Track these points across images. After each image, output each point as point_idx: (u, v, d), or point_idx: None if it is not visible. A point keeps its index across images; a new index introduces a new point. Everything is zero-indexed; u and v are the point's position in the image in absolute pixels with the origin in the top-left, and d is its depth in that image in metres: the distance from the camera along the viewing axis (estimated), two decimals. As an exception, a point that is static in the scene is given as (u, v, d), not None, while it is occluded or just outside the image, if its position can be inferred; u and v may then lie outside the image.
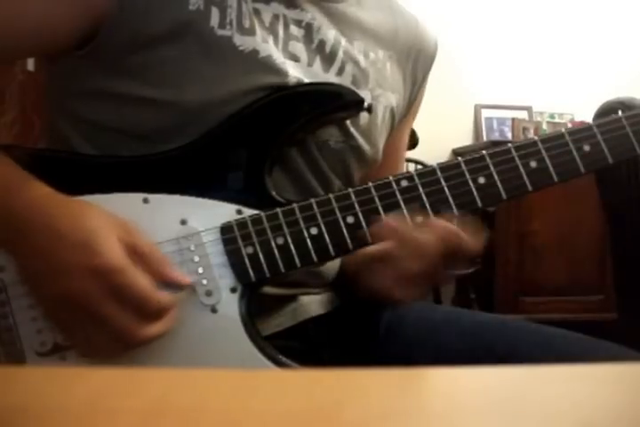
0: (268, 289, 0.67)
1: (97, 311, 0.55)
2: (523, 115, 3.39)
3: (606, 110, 1.63)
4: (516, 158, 0.63)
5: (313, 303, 0.75)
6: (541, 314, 2.72)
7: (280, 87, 0.67)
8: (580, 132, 0.64)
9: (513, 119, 3.34)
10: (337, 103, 0.67)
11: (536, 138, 0.64)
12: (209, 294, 0.61)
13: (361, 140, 0.73)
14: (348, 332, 0.78)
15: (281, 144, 0.66)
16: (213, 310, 0.61)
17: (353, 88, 0.70)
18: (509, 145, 0.64)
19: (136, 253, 0.57)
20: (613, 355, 0.66)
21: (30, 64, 1.66)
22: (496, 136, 3.33)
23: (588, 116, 2.01)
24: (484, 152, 0.63)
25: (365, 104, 0.68)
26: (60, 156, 0.68)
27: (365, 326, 0.78)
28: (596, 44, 3.41)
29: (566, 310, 2.81)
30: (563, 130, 0.64)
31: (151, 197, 0.63)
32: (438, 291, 3.00)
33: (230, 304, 0.61)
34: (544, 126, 3.36)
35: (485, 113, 3.38)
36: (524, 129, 3.33)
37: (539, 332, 0.72)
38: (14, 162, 0.62)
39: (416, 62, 0.82)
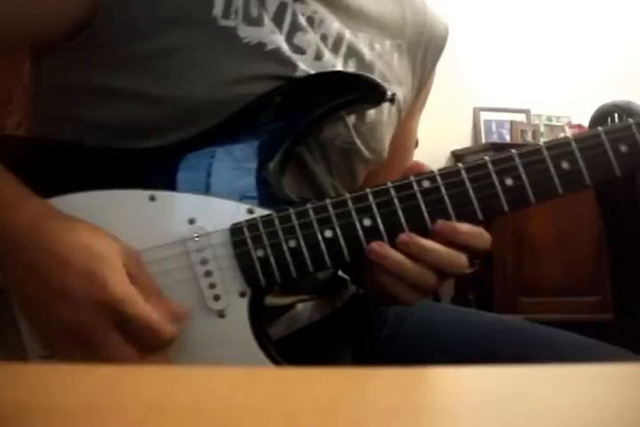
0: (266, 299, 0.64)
1: (99, 344, 0.53)
2: (521, 117, 3.40)
3: (603, 114, 1.64)
4: (548, 159, 0.58)
5: (308, 310, 0.72)
6: (539, 314, 2.71)
7: (291, 78, 0.64)
8: (618, 132, 0.59)
9: (511, 122, 3.35)
10: (359, 94, 0.62)
11: (570, 137, 0.59)
12: (217, 298, 0.58)
13: (366, 138, 0.70)
14: (350, 332, 0.76)
15: (295, 139, 0.62)
16: (221, 315, 0.58)
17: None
18: (541, 144, 0.59)
19: (137, 283, 0.54)
20: (610, 356, 0.65)
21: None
22: (494, 138, 3.35)
23: (584, 120, 2.01)
24: (513, 151, 0.59)
25: (389, 94, 0.63)
26: (61, 145, 0.64)
27: (369, 325, 0.76)
28: (592, 47, 3.42)
29: (563, 311, 2.82)
30: (599, 129, 0.59)
31: (158, 194, 0.59)
32: (437, 291, 2.99)
33: (239, 309, 0.58)
34: (542, 129, 3.38)
35: (484, 116, 3.39)
36: (522, 132, 3.34)
37: (538, 332, 0.71)
38: (13, 177, 0.59)
39: (426, 50, 0.79)
